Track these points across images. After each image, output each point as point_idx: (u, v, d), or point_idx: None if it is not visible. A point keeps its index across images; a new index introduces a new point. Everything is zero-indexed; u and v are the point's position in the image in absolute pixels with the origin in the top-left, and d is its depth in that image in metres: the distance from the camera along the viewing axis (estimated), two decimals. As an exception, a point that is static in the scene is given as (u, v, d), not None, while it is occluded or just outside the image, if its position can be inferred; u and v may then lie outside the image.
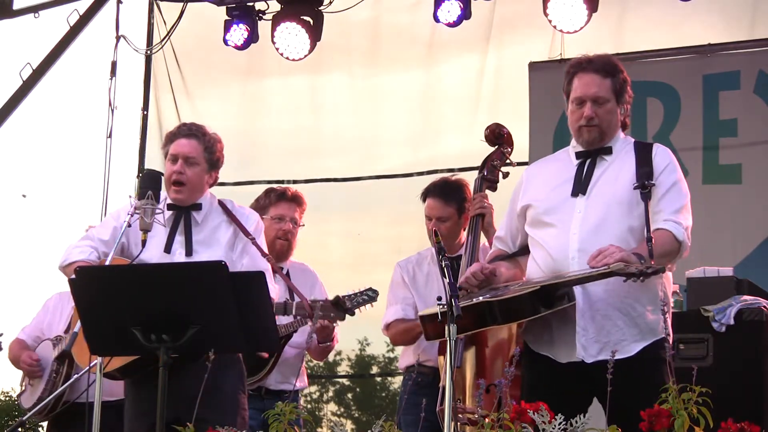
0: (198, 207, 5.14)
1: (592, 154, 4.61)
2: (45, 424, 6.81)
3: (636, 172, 4.48)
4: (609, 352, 4.05)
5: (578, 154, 4.65)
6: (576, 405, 4.00)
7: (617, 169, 4.56)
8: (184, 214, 5.12)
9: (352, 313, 4.96)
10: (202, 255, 5.00)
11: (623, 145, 4.63)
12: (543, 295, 4.38)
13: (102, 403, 6.24)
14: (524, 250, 4.72)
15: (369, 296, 5.71)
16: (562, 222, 4.53)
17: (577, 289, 4.40)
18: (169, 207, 5.11)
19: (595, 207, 4.50)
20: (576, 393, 4.29)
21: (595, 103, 4.56)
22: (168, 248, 5.06)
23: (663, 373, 3.86)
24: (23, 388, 6.56)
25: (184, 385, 4.32)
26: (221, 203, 5.20)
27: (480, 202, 5.53)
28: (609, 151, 4.60)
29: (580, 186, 4.56)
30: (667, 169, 4.51)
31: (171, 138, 5.16)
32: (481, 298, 4.46)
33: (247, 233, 5.09)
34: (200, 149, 5.10)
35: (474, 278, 4.59)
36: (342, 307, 4.94)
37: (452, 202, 5.77)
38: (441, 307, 3.93)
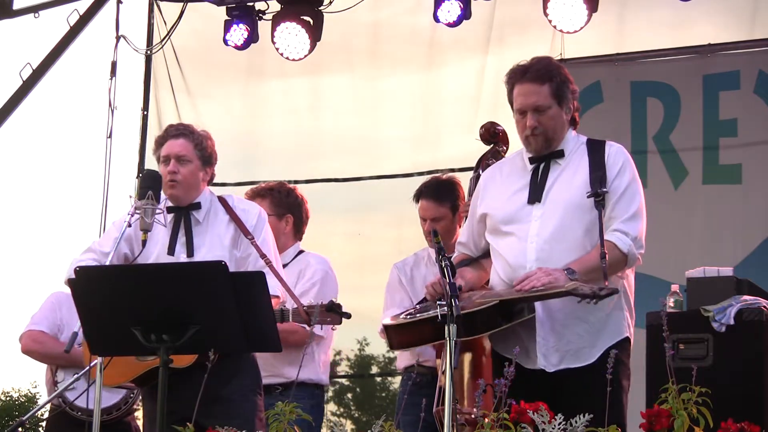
0: (197, 206, 5.17)
1: (545, 158, 4.65)
2: (44, 424, 6.70)
3: (589, 178, 4.51)
4: (569, 360, 4.16)
5: (531, 159, 4.69)
6: None
7: (571, 173, 4.59)
8: (184, 215, 5.16)
9: (348, 316, 4.91)
10: (204, 255, 5.03)
11: (575, 146, 4.65)
12: (503, 308, 4.42)
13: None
14: (487, 254, 4.77)
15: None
16: (519, 231, 4.57)
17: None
18: (169, 210, 5.15)
19: (551, 215, 4.53)
20: (541, 400, 4.30)
21: (536, 112, 4.59)
22: (171, 250, 5.10)
23: (619, 374, 3.94)
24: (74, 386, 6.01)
25: (196, 391, 4.31)
26: (222, 200, 5.22)
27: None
28: (561, 154, 4.64)
29: (536, 193, 4.60)
30: (619, 173, 4.54)
31: (160, 141, 5.23)
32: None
33: (246, 232, 5.10)
34: (191, 147, 5.15)
35: (434, 290, 4.59)
36: (337, 311, 4.89)
37: (445, 202, 5.76)
38: (441, 307, 3.94)
